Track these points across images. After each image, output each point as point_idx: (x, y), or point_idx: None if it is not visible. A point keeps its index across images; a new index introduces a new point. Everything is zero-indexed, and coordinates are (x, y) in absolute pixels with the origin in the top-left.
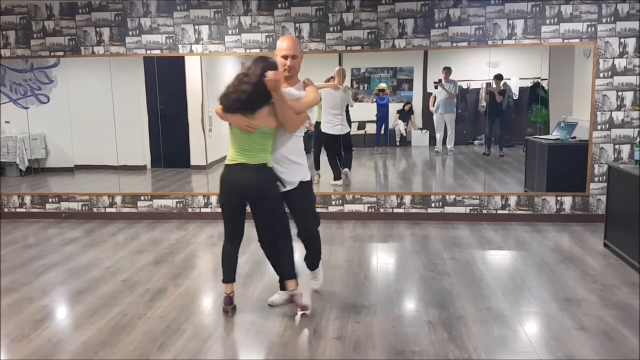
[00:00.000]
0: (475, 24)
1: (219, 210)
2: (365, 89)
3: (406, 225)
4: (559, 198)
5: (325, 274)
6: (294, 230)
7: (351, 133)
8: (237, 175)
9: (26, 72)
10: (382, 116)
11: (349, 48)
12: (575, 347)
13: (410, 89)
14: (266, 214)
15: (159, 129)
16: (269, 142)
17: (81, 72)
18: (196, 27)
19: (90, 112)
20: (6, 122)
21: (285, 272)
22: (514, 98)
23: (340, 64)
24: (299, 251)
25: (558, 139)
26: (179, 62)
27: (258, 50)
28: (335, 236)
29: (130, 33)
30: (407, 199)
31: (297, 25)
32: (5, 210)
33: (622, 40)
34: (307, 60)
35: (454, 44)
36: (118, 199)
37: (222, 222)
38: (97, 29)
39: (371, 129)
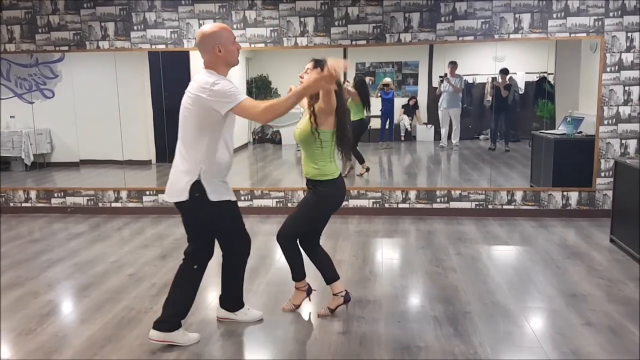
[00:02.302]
0: (482, 18)
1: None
2: (370, 83)
3: (411, 221)
4: (565, 193)
5: None
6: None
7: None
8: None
9: (31, 67)
10: (386, 111)
11: (354, 42)
12: (581, 342)
13: (416, 83)
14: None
15: (164, 123)
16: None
17: (86, 67)
18: (201, 21)
19: (95, 107)
20: (11, 117)
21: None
22: (520, 92)
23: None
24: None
25: (564, 133)
26: (184, 56)
27: (263, 45)
28: (340, 231)
29: (135, 28)
30: (412, 194)
31: (302, 19)
32: (11, 204)
33: (629, 34)
34: (312, 54)
35: (460, 38)
36: (123, 194)
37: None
38: (102, 24)
39: (376, 123)
